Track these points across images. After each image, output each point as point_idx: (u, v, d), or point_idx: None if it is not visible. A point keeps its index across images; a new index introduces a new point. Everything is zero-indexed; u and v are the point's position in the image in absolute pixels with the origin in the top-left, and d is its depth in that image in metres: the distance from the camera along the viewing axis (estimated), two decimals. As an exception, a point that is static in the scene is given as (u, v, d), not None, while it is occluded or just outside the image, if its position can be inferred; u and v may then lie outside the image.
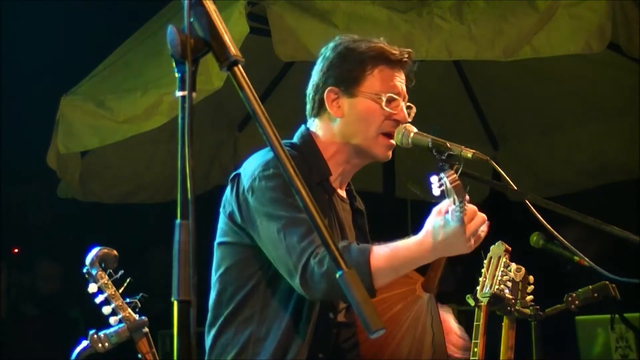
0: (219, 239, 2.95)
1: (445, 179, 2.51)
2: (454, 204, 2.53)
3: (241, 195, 2.85)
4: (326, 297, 2.76)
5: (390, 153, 2.96)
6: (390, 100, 2.91)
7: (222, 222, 2.94)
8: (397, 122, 2.92)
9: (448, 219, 2.60)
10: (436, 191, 2.54)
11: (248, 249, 2.87)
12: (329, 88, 2.93)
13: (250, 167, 2.87)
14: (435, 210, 2.66)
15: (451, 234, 2.59)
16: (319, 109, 2.97)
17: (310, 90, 2.99)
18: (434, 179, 2.54)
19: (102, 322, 3.34)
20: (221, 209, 2.94)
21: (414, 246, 2.67)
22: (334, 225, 2.92)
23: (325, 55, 2.97)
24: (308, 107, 3.01)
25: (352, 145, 2.94)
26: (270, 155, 2.85)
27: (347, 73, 2.91)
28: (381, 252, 2.67)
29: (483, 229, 2.67)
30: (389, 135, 2.93)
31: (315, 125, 2.99)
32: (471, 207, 2.60)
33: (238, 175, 2.91)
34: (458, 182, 2.51)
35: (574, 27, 4.47)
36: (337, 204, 2.97)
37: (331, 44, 2.99)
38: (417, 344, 2.92)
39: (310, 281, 2.69)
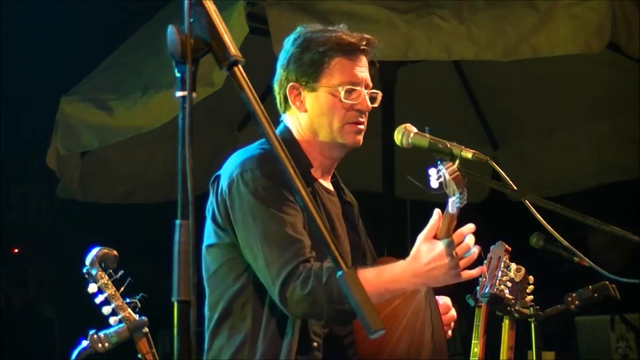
0: (205, 241, 2.94)
1: (444, 170, 2.51)
2: (453, 195, 2.54)
3: (219, 196, 2.85)
4: (305, 318, 2.77)
5: (360, 138, 2.93)
6: (349, 91, 2.89)
7: (207, 224, 2.93)
8: (360, 112, 2.91)
9: (436, 244, 2.64)
10: (434, 184, 2.55)
11: (233, 250, 2.85)
12: (290, 84, 2.92)
13: (229, 168, 2.88)
14: (421, 236, 2.69)
15: (437, 263, 2.64)
16: (285, 105, 2.96)
17: (275, 85, 2.99)
18: (432, 171, 2.54)
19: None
20: (206, 212, 2.93)
21: (399, 271, 2.71)
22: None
23: (286, 49, 2.96)
24: (277, 102, 3.00)
25: (319, 139, 2.92)
26: (249, 154, 2.86)
27: (306, 67, 2.89)
28: (368, 278, 2.66)
29: (474, 251, 2.71)
30: (356, 124, 2.91)
31: (287, 120, 2.99)
32: (460, 233, 2.67)
33: (218, 176, 2.92)
34: (457, 173, 2.52)
35: (574, 27, 4.46)
36: (322, 195, 2.95)
37: (292, 36, 2.96)
38: (417, 338, 2.91)
39: (290, 300, 2.69)
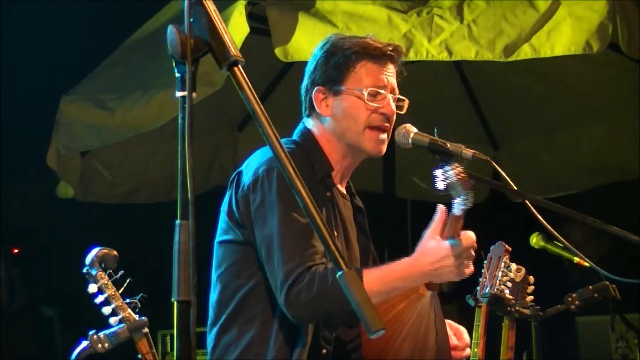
0: (218, 237, 2.95)
1: (450, 171, 2.52)
2: (459, 196, 2.55)
3: (240, 192, 2.85)
4: (308, 322, 2.78)
5: (383, 148, 2.96)
6: (374, 94, 2.91)
7: (222, 220, 2.94)
8: (385, 116, 2.92)
9: (442, 243, 2.66)
10: (440, 185, 2.56)
11: (247, 248, 2.86)
12: (316, 88, 2.94)
13: (253, 165, 2.87)
14: (427, 233, 2.71)
15: (444, 262, 2.67)
16: (311, 109, 2.98)
17: (302, 90, 3.01)
18: (438, 172, 2.55)
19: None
20: (222, 207, 2.94)
21: (406, 268, 2.73)
22: (337, 222, 2.92)
23: (314, 54, 2.99)
24: (302, 107, 3.02)
25: (344, 143, 2.94)
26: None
27: (332, 71, 2.92)
28: (374, 276, 2.70)
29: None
30: (379, 129, 2.92)
31: (310, 124, 3.00)
32: (469, 235, 2.68)
33: (240, 172, 2.91)
34: (464, 174, 2.52)
35: (574, 27, 4.46)
36: (338, 200, 2.97)
37: (321, 43, 3.00)
38: (421, 342, 2.92)
39: (295, 303, 2.70)
